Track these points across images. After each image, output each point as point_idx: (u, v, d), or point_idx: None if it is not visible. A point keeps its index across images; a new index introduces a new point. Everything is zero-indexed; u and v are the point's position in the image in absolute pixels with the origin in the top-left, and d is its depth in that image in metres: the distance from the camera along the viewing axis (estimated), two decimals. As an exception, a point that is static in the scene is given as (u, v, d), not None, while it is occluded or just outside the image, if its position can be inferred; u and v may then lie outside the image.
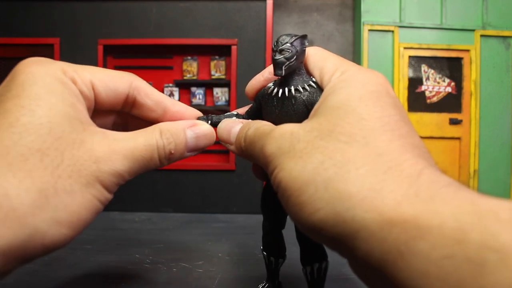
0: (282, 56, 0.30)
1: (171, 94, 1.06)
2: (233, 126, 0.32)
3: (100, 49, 1.02)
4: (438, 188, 0.18)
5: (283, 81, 0.31)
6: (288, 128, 0.25)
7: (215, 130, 0.33)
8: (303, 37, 0.31)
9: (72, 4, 1.04)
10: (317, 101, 0.29)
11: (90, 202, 0.24)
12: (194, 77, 1.09)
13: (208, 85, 1.10)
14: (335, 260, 0.57)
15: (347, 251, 0.20)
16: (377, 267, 0.18)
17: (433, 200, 0.18)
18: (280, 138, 0.24)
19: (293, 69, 0.30)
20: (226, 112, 0.37)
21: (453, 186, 0.19)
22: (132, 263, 0.52)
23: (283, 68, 0.30)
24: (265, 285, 0.39)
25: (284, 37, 0.31)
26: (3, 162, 0.22)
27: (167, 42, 1.05)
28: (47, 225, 0.22)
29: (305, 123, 0.25)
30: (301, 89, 0.30)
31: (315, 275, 0.35)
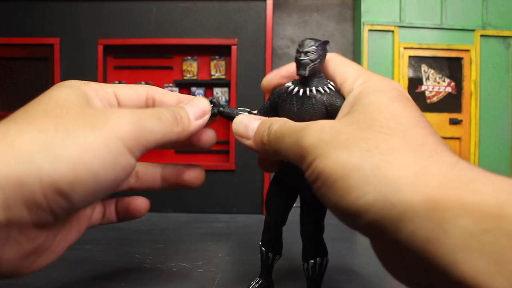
0: (307, 57, 0.32)
1: (171, 94, 1.06)
2: (251, 121, 0.33)
3: (100, 49, 1.02)
4: (476, 173, 0.20)
5: (303, 81, 0.33)
6: (326, 122, 0.27)
7: (228, 119, 0.35)
8: (326, 42, 0.33)
9: (72, 4, 1.04)
10: (336, 103, 0.32)
11: (94, 146, 0.24)
12: (194, 77, 1.09)
13: (208, 85, 1.10)
14: (336, 260, 0.57)
15: (389, 234, 0.21)
16: (420, 247, 0.19)
17: (473, 182, 0.19)
18: (320, 131, 0.26)
19: (315, 71, 0.32)
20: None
21: (489, 172, 0.20)
22: (132, 263, 0.52)
23: (307, 68, 0.32)
24: (258, 281, 0.39)
25: (309, 40, 0.33)
26: (12, 123, 0.24)
27: (167, 42, 1.05)
28: (42, 159, 0.22)
29: (341, 119, 0.27)
30: (322, 90, 0.32)
31: (316, 270, 0.36)
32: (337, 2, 1.14)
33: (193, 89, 1.08)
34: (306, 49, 0.32)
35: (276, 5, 1.14)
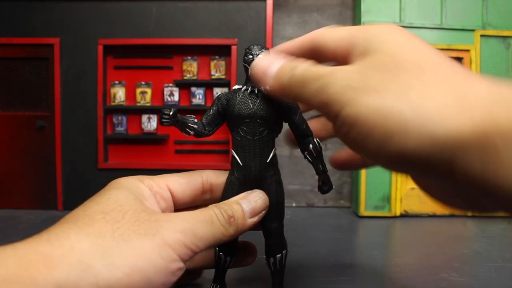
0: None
1: (171, 94, 1.06)
2: (271, 64, 0.31)
3: (100, 49, 1.03)
4: None
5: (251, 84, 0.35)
6: (350, 68, 0.25)
7: (181, 128, 0.35)
8: (268, 49, 0.35)
9: (72, 4, 1.04)
10: None
11: (147, 253, 0.25)
12: (194, 77, 1.09)
13: (208, 85, 1.10)
14: (336, 261, 0.57)
15: (441, 170, 0.20)
16: (476, 177, 0.18)
17: None
18: (347, 77, 0.24)
19: None
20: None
21: None
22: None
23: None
24: (216, 286, 0.39)
25: (256, 47, 0.35)
26: (72, 225, 0.25)
27: (167, 42, 1.05)
28: (100, 265, 0.23)
29: (363, 62, 0.25)
30: None
31: (283, 263, 0.37)
32: (337, 2, 1.14)
33: (193, 89, 1.08)
34: (258, 52, 0.33)
35: (276, 5, 1.14)
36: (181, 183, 0.35)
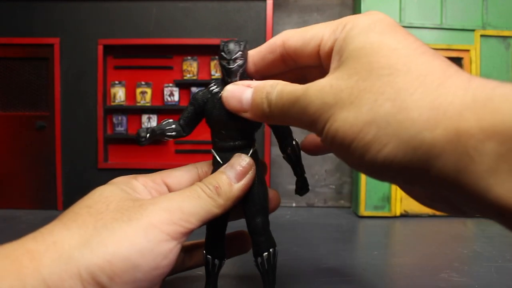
0: (236, 64, 0.32)
1: (171, 94, 1.06)
2: (242, 92, 0.31)
3: (100, 49, 1.02)
4: (491, 89, 0.19)
5: (229, 82, 0.33)
6: (324, 82, 0.25)
7: (160, 139, 0.35)
8: (247, 42, 0.33)
9: (72, 4, 1.04)
10: None
11: (130, 238, 0.25)
12: (194, 77, 1.09)
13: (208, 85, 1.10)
14: (336, 261, 0.57)
15: (419, 177, 0.20)
16: (451, 179, 0.18)
17: (490, 100, 0.18)
18: (321, 94, 0.24)
19: (241, 73, 0.33)
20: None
21: (504, 85, 0.19)
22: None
23: (238, 75, 0.32)
24: None
25: (233, 45, 0.33)
26: (58, 222, 0.26)
27: (167, 42, 1.05)
28: (81, 255, 0.24)
29: (337, 73, 0.24)
30: None
31: (271, 261, 0.36)
32: (337, 2, 1.14)
33: (193, 89, 1.08)
34: (234, 57, 0.32)
35: (276, 5, 1.13)
36: (176, 176, 0.35)
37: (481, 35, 1.01)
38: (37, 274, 0.22)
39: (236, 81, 0.32)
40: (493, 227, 0.86)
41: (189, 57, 1.08)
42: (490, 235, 0.80)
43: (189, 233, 0.28)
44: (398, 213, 1.01)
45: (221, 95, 0.33)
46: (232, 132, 0.34)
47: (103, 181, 0.33)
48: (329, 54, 0.27)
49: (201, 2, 1.05)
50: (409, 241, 0.82)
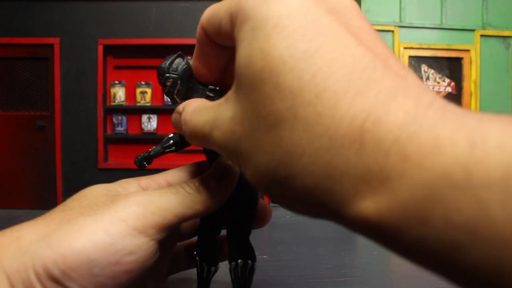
0: (167, 87, 0.28)
1: (171, 94, 1.06)
2: (180, 120, 0.27)
3: (100, 49, 1.03)
4: (386, 151, 0.15)
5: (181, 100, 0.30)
6: (227, 123, 0.20)
7: (161, 155, 0.34)
8: (179, 55, 0.29)
9: (72, 4, 1.05)
10: None
11: (87, 232, 0.24)
12: (194, 77, 1.09)
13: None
14: (336, 261, 0.57)
15: (333, 212, 0.18)
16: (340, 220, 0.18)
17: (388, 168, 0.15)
18: (225, 143, 0.21)
19: (186, 90, 0.28)
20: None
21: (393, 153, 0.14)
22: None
23: (175, 97, 0.28)
24: None
25: (161, 65, 0.28)
26: (32, 221, 0.26)
27: (167, 42, 1.05)
28: (37, 248, 0.24)
29: (236, 105, 0.20)
30: None
31: (241, 272, 0.33)
32: (337, 2, 1.14)
33: (193, 89, 1.08)
34: (162, 82, 0.28)
35: (276, 5, 1.14)
36: (180, 176, 0.34)
37: (481, 35, 1.01)
38: (0, 268, 0.23)
39: (178, 103, 0.28)
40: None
41: (189, 57, 1.09)
42: (490, 235, 0.80)
43: (166, 229, 0.26)
44: (398, 213, 1.01)
45: None
46: None
47: (103, 181, 0.33)
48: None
49: (201, 2, 1.05)
50: (409, 241, 0.82)
